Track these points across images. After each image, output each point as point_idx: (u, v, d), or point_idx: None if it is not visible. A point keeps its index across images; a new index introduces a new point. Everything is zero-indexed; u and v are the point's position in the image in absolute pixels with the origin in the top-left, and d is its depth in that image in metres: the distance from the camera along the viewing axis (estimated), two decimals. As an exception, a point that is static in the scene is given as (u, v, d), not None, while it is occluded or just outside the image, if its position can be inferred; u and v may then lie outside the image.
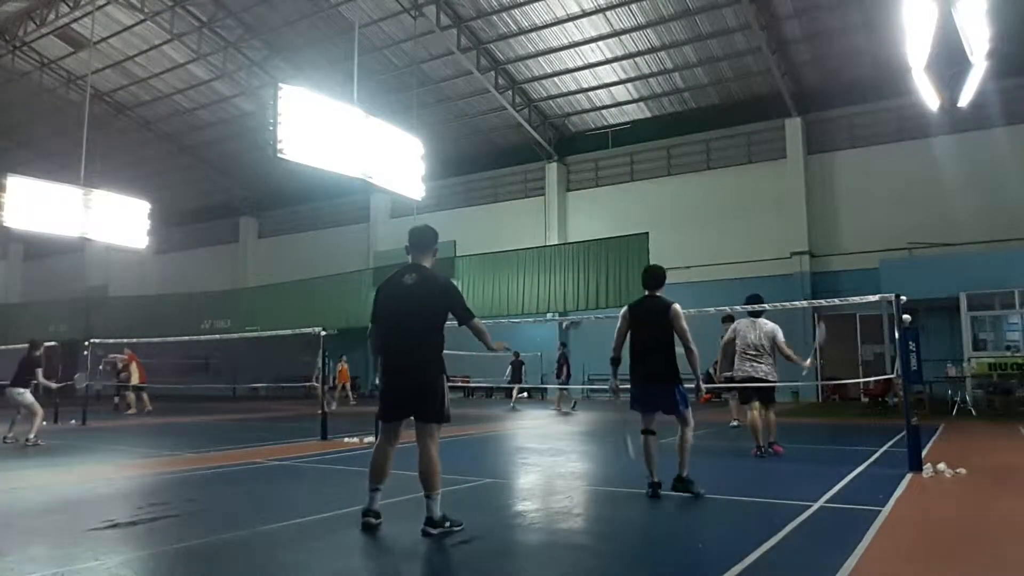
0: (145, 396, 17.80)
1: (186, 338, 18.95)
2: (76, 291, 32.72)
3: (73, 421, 13.84)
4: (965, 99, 9.83)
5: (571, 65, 23.24)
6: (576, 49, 22.45)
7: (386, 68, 23.79)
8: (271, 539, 4.43)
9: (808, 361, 8.37)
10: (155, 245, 22.07)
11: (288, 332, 13.96)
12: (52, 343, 14.82)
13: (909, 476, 6.42)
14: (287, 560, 3.94)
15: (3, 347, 15.85)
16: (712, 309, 9.82)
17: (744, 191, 23.12)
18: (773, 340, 8.12)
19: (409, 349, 4.52)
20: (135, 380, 17.53)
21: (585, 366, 21.11)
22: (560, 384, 17.43)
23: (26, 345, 11.47)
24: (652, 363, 5.62)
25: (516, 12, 21.40)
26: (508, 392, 21.35)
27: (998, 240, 18.87)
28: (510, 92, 24.40)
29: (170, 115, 29.18)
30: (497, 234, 25.63)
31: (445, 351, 4.60)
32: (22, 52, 25.99)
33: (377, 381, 4.63)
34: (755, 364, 8.08)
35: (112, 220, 17.05)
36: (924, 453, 7.34)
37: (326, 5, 21.78)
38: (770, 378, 8.10)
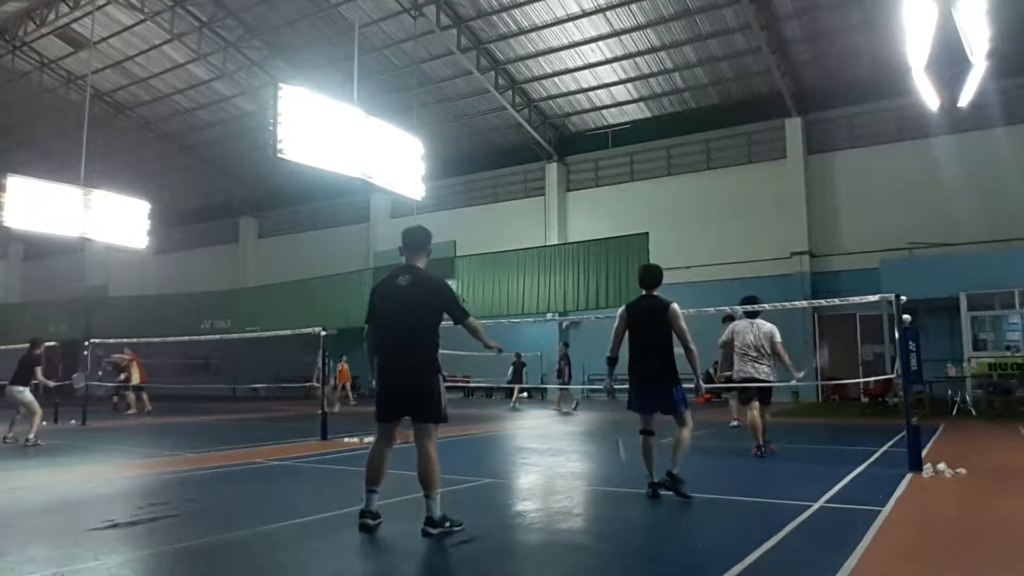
0: (145, 396, 17.81)
1: (186, 338, 18.95)
2: (76, 291, 32.72)
3: (73, 421, 13.84)
4: (965, 99, 9.83)
5: (571, 65, 23.24)
6: (576, 49, 22.45)
7: (386, 68, 23.79)
8: (271, 539, 4.43)
9: (801, 373, 8.40)
10: (155, 245, 22.06)
11: (288, 332, 13.96)
12: (52, 343, 14.83)
13: (909, 476, 6.42)
14: (287, 560, 3.94)
15: (3, 347, 15.85)
16: (712, 309, 9.82)
17: (744, 191, 23.13)
18: (771, 340, 8.13)
19: (405, 349, 4.52)
20: (135, 380, 17.54)
21: (585, 366, 21.11)
22: (561, 384, 17.43)
23: (26, 345, 11.48)
24: (650, 363, 5.60)
25: (516, 12, 21.40)
26: (508, 392, 21.36)
27: (998, 240, 18.87)
28: (510, 92, 24.40)
29: (170, 115, 29.18)
30: (497, 234, 25.64)
31: (446, 351, 4.61)
32: (22, 52, 25.99)
33: (373, 383, 4.64)
34: (756, 365, 8.09)
35: (112, 220, 17.05)
36: (924, 453, 7.34)
37: (326, 5, 21.78)
38: (771, 379, 8.12)
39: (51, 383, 12.14)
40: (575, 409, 17.28)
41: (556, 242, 24.18)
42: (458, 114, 26.37)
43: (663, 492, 5.46)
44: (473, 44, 22.68)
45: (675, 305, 5.61)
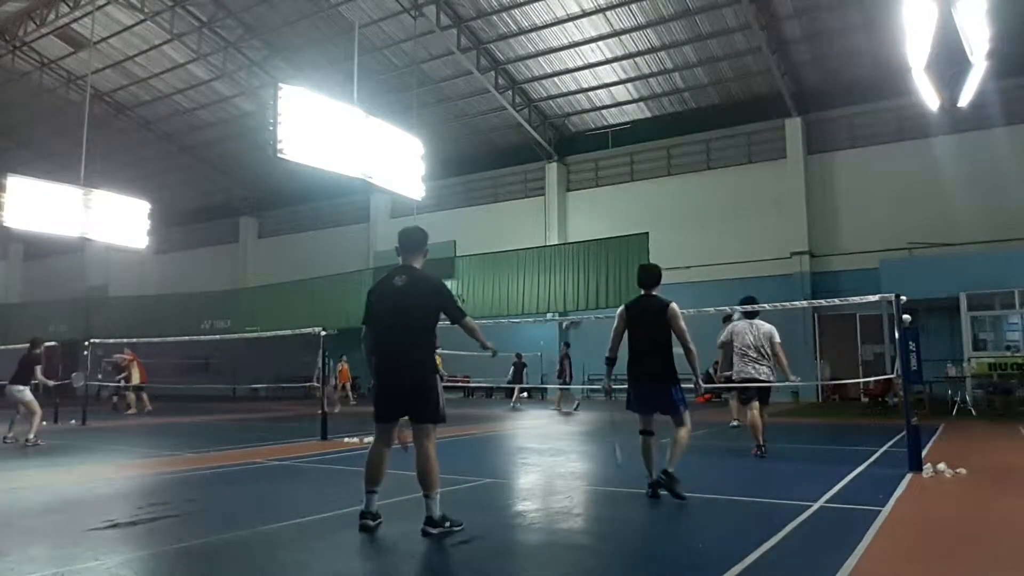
0: (145, 396, 17.81)
1: (186, 338, 18.95)
2: (76, 291, 32.73)
3: (73, 421, 13.84)
4: (965, 99, 9.84)
5: (571, 65, 23.24)
6: (576, 49, 22.45)
7: (386, 68, 23.79)
8: (271, 539, 4.43)
9: (796, 378, 8.42)
10: (155, 245, 22.07)
11: (288, 332, 13.95)
12: (52, 343, 14.83)
13: (909, 476, 6.42)
14: (287, 560, 3.94)
15: (3, 347, 15.86)
16: (712, 309, 9.82)
17: (744, 191, 23.13)
18: (771, 341, 8.14)
19: (402, 350, 4.53)
20: (136, 380, 17.53)
21: (585, 366, 21.11)
22: (562, 384, 17.43)
23: (26, 345, 11.48)
24: (649, 363, 5.58)
25: (516, 12, 21.40)
26: (508, 392, 21.36)
27: (998, 240, 18.88)
28: (510, 92, 24.40)
29: (170, 115, 29.18)
30: (497, 234, 25.64)
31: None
32: (22, 52, 25.99)
33: (372, 384, 4.66)
34: (756, 366, 8.10)
35: (112, 220, 17.05)
36: (924, 453, 7.34)
37: (326, 5, 21.78)
38: (771, 379, 8.12)
39: (51, 382, 12.15)
40: (576, 410, 17.28)
41: (556, 242, 24.18)
42: (458, 114, 26.37)
43: (662, 492, 5.46)
44: (473, 44, 22.68)
45: (674, 305, 5.60)
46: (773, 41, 20.49)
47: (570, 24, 21.38)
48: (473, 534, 4.37)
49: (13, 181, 15.68)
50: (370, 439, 4.74)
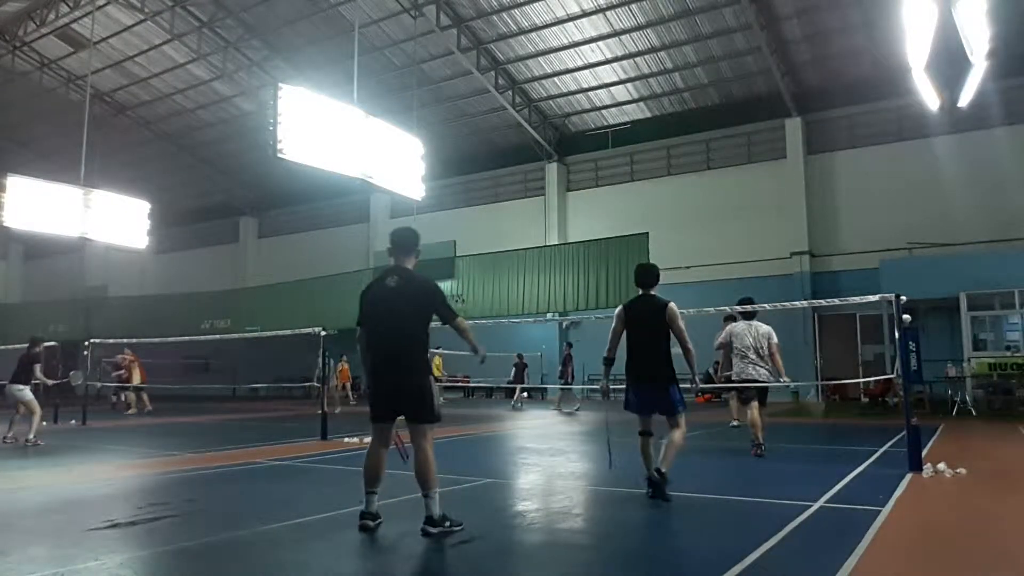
0: (145, 396, 17.80)
1: (186, 338, 18.94)
2: (76, 291, 32.72)
3: (73, 421, 13.83)
4: (965, 99, 9.84)
5: (571, 65, 23.24)
6: (576, 49, 22.46)
7: (386, 68, 23.79)
8: (271, 539, 4.43)
9: (787, 379, 8.44)
10: (155, 245, 22.04)
11: (288, 332, 13.95)
12: (52, 343, 14.82)
13: (909, 476, 6.42)
14: (287, 560, 3.94)
15: (3, 347, 15.85)
16: (712, 309, 9.81)
17: (744, 191, 23.13)
18: (769, 341, 8.16)
19: (396, 351, 4.55)
20: (136, 380, 17.53)
21: (585, 366, 21.09)
22: (563, 384, 17.42)
23: (26, 345, 11.48)
24: (647, 363, 5.57)
25: (516, 12, 21.41)
26: (508, 392, 21.36)
27: (998, 240, 18.89)
28: (510, 92, 24.40)
29: (170, 115, 29.19)
30: (497, 234, 25.65)
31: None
32: (22, 52, 26.00)
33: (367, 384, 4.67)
34: (756, 367, 8.11)
35: (112, 220, 17.03)
36: (924, 453, 7.34)
37: (326, 5, 21.79)
38: (770, 380, 8.13)
39: (50, 382, 12.14)
40: (577, 411, 17.27)
41: (556, 242, 24.18)
42: (458, 114, 26.37)
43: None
44: (473, 44, 22.68)
45: (673, 305, 5.58)
46: (773, 41, 20.50)
47: (570, 24, 21.39)
48: (473, 534, 4.37)
49: (13, 181, 15.66)
50: (370, 439, 4.75)
